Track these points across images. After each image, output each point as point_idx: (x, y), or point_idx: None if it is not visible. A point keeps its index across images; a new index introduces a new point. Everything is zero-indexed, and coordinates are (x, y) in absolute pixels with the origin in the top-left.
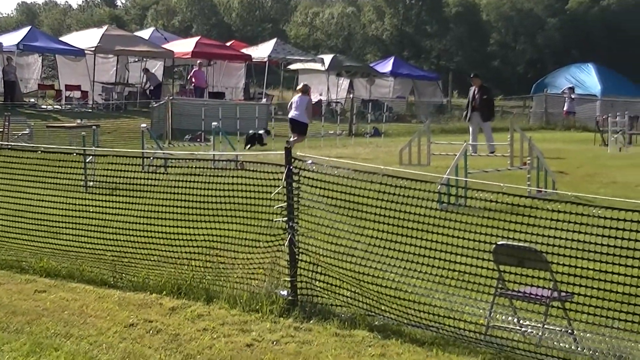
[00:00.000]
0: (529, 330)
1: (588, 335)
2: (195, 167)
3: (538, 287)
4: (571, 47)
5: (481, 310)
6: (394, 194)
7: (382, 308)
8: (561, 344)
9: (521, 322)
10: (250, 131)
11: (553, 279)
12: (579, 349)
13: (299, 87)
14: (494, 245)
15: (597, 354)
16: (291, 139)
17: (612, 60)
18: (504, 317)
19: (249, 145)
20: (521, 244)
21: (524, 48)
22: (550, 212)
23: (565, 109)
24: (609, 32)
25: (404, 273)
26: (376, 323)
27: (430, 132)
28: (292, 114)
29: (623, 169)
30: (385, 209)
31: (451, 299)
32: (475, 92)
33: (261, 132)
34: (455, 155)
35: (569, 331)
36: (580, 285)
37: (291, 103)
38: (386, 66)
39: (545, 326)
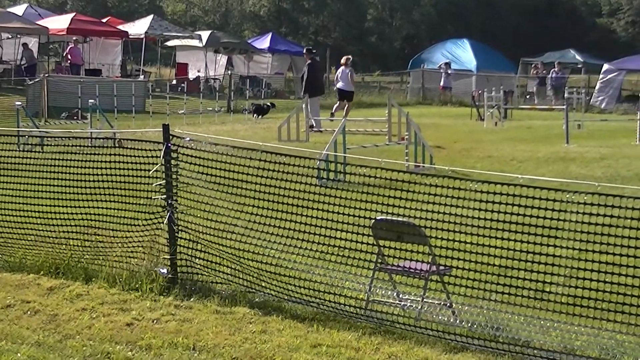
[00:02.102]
0: (408, 304)
1: (466, 308)
2: (72, 146)
3: (417, 261)
4: (447, 23)
5: (361, 285)
6: (273, 171)
7: (263, 285)
8: (440, 317)
9: (400, 296)
10: (260, 103)
11: (431, 253)
12: (457, 321)
13: (342, 60)
14: (373, 221)
15: (474, 326)
16: (335, 106)
17: (486, 36)
18: (383, 292)
19: (256, 115)
20: (400, 218)
21: (400, 24)
22: (428, 186)
23: (441, 84)
24: (483, 7)
25: (284, 249)
26: (257, 300)
27: (308, 108)
28: (339, 85)
29: (498, 143)
30: (264, 185)
31: (331, 274)
32: None
33: (268, 104)
34: (334, 131)
35: (448, 304)
36: (458, 259)
37: (337, 76)
38: (264, 42)
39: (424, 300)
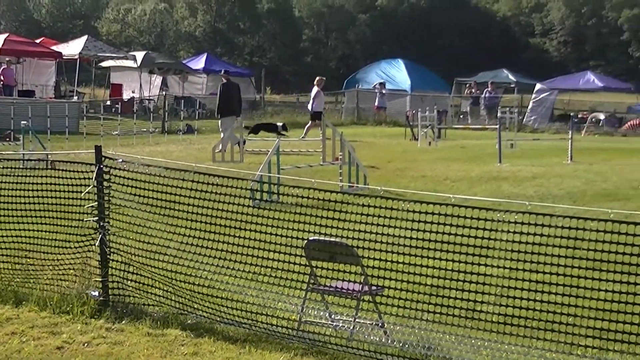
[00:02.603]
0: (341, 324)
1: (398, 327)
2: (4, 167)
3: (349, 281)
4: (382, 43)
5: (293, 306)
6: (206, 192)
7: (195, 306)
8: (372, 337)
9: (333, 316)
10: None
11: (364, 273)
12: (389, 341)
13: (316, 81)
14: (305, 241)
15: (406, 346)
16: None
17: (421, 56)
18: (316, 312)
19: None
20: (332, 239)
21: (335, 44)
22: (361, 206)
23: (376, 104)
24: (418, 28)
25: (217, 271)
26: (189, 322)
27: (243, 129)
28: (313, 105)
29: (432, 163)
30: (197, 206)
31: (264, 295)
32: None
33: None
34: (268, 151)
35: (380, 324)
36: (391, 279)
37: (311, 97)
38: (199, 63)
39: (357, 320)
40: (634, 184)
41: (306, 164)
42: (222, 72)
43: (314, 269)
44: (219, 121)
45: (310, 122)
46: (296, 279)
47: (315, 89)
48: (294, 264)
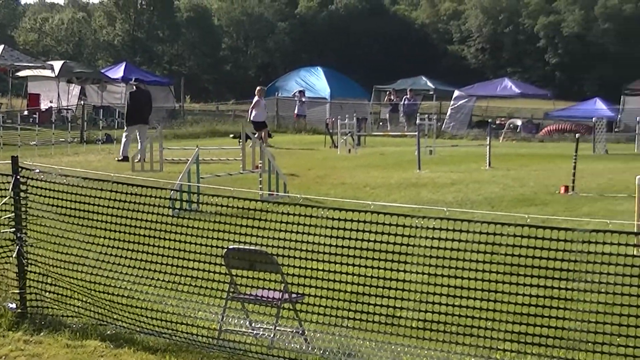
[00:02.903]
0: (261, 332)
1: (318, 334)
2: None
3: (269, 289)
4: (301, 51)
5: (214, 315)
6: (125, 202)
7: (115, 317)
8: (292, 345)
9: (253, 324)
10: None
11: (284, 281)
12: (309, 349)
13: (257, 91)
14: (225, 250)
15: (327, 353)
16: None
17: (340, 64)
18: (236, 321)
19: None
20: (252, 247)
21: (255, 52)
22: (281, 214)
23: (296, 112)
24: (337, 35)
25: (137, 281)
26: (108, 332)
27: (162, 138)
28: (253, 115)
29: (352, 170)
30: (117, 216)
31: (184, 304)
32: None
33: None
34: (188, 160)
35: (300, 332)
36: (311, 286)
37: (251, 107)
38: (118, 72)
39: (277, 328)
40: (550, 189)
41: (226, 172)
42: (132, 80)
43: (234, 277)
44: (125, 128)
45: (256, 132)
46: (216, 287)
47: (255, 99)
48: (214, 272)
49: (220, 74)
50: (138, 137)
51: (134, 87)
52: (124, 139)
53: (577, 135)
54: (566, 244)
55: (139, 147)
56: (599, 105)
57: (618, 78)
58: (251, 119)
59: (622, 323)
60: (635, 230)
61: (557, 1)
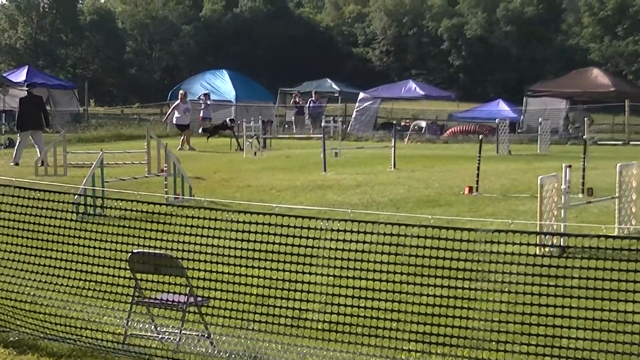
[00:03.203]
0: (167, 336)
1: (225, 338)
2: None
3: (175, 293)
4: (206, 54)
5: (119, 320)
6: (28, 207)
7: (17, 323)
8: (199, 348)
9: (159, 329)
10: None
11: (189, 284)
12: (215, 352)
13: (180, 96)
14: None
15: (233, 356)
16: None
17: (245, 66)
18: (141, 325)
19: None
20: (157, 251)
21: (159, 55)
22: (186, 218)
23: (201, 115)
24: (241, 38)
25: (40, 286)
26: (11, 339)
27: (66, 142)
28: (176, 119)
29: (258, 173)
30: (19, 222)
31: (88, 309)
32: None
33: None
34: (92, 164)
35: (206, 335)
36: (216, 289)
37: (174, 111)
38: (20, 76)
39: (183, 332)
40: (455, 190)
41: (131, 176)
42: (24, 85)
43: (139, 281)
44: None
45: (183, 136)
46: (121, 292)
47: (175, 102)
48: (119, 277)
49: (124, 78)
50: (34, 143)
51: (27, 92)
52: (16, 145)
53: (480, 136)
54: (470, 244)
55: (38, 152)
56: (502, 107)
57: (520, 80)
58: (175, 122)
59: (524, 322)
60: (538, 230)
61: (460, 4)
